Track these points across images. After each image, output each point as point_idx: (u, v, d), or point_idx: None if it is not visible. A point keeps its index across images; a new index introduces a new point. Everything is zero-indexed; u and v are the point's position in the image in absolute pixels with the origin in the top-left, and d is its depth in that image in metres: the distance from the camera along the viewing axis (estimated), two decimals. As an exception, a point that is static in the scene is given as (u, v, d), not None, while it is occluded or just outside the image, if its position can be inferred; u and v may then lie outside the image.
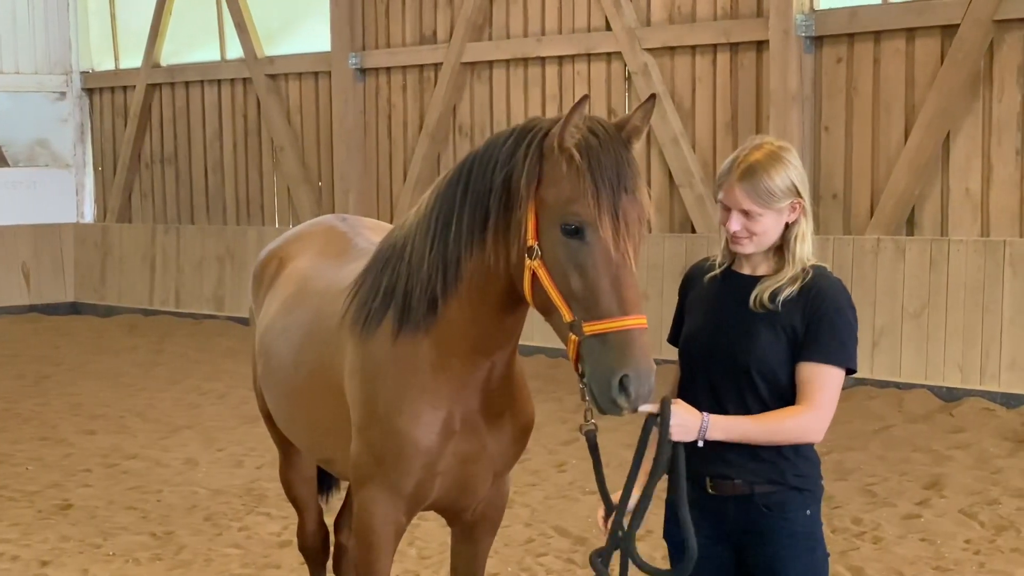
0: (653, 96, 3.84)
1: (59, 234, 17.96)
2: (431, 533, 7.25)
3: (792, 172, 3.68)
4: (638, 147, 3.71)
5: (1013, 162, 10.01)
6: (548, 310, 3.63)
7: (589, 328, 3.49)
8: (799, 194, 3.68)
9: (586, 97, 3.62)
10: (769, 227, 3.68)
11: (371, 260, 4.21)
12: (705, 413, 3.63)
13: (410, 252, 3.96)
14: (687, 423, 3.61)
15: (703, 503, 3.72)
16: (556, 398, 10.32)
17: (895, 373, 10.24)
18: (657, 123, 11.96)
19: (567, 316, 3.54)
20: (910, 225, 10.61)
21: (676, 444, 3.61)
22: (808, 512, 3.75)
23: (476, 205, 3.78)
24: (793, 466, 3.72)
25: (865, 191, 10.86)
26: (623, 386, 3.43)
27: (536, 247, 3.60)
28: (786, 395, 3.69)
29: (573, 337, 3.52)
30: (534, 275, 3.61)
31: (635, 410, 3.50)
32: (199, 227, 16.73)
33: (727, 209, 3.71)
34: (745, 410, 3.70)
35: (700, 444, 3.63)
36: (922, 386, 10.11)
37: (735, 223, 3.69)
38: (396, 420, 3.99)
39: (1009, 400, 9.65)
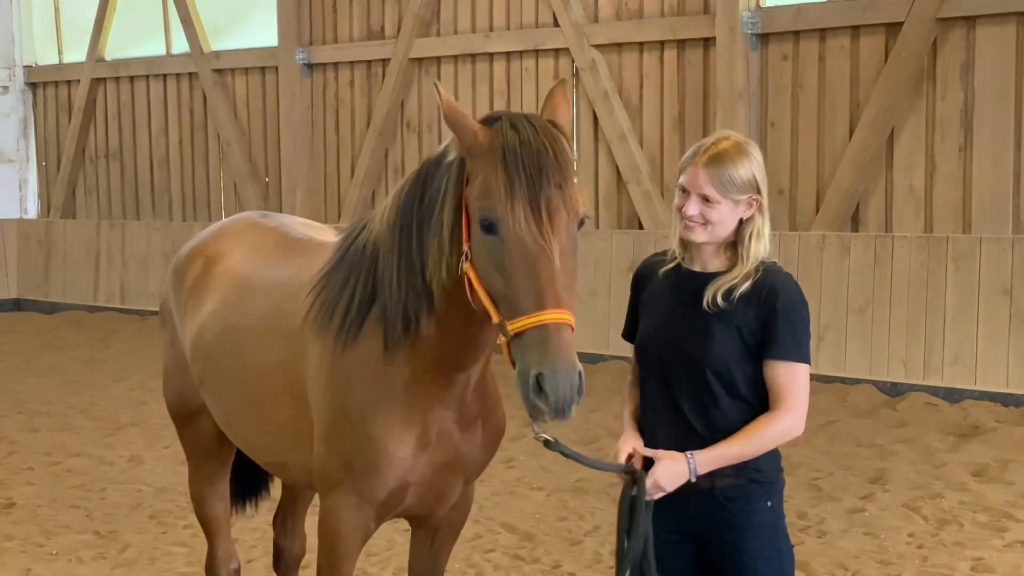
0: (562, 81, 3.83)
1: (2, 230, 17.73)
2: (379, 531, 7.20)
3: (756, 168, 3.70)
4: (584, 143, 3.63)
5: (956, 159, 10.12)
6: (484, 312, 3.53)
7: (511, 326, 3.36)
8: (759, 191, 3.70)
9: (448, 100, 3.53)
10: (724, 217, 3.68)
11: (333, 260, 4.09)
12: (688, 453, 3.64)
13: (381, 262, 3.86)
14: (675, 474, 3.63)
15: (665, 499, 3.71)
16: (505, 394, 10.31)
17: (840, 368, 10.32)
18: (605, 120, 12.00)
19: (495, 317, 3.45)
20: (855, 221, 10.70)
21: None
22: (769, 503, 3.77)
23: (428, 212, 3.69)
24: (752, 459, 3.73)
25: (811, 187, 10.94)
26: (539, 386, 3.29)
27: (467, 250, 3.53)
28: (741, 391, 3.71)
29: (502, 339, 3.42)
30: (468, 280, 3.54)
31: (561, 415, 3.32)
32: (144, 223, 16.59)
33: (685, 193, 3.70)
34: (701, 407, 3.71)
35: (693, 479, 3.65)
36: (867, 381, 10.20)
37: (692, 207, 3.67)
38: (370, 429, 3.90)
39: (951, 395, 9.76)
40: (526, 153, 3.44)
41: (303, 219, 5.38)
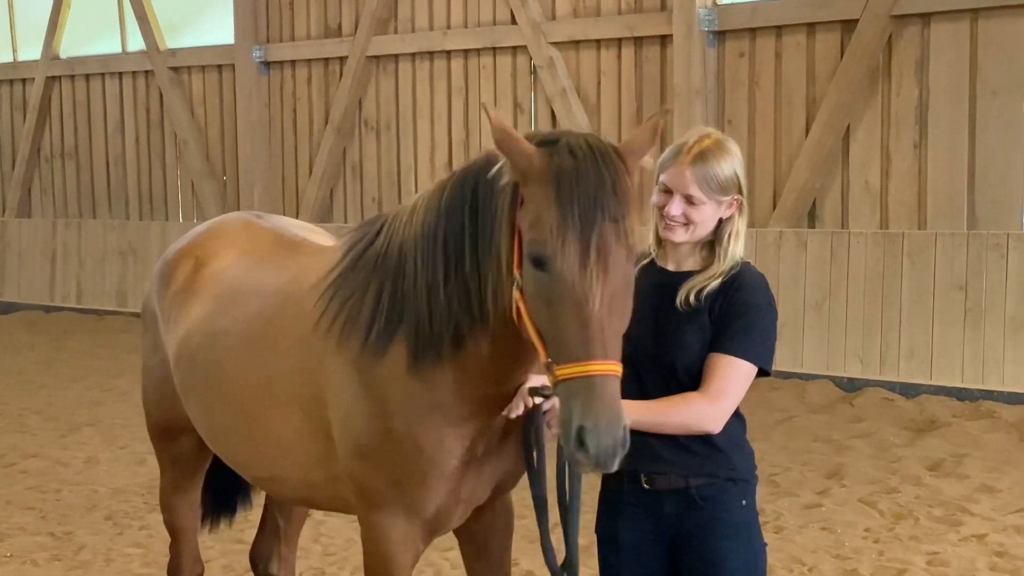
0: (666, 111, 3.66)
1: (-44, 230, 17.57)
2: (336, 529, 7.21)
3: (738, 166, 3.65)
4: (647, 167, 3.39)
5: (911, 155, 10.19)
6: (533, 346, 3.33)
7: (558, 371, 3.18)
8: (741, 190, 3.65)
9: (502, 126, 3.27)
10: (707, 218, 3.62)
11: (344, 264, 3.87)
12: None
13: (415, 270, 3.62)
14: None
15: (639, 499, 3.68)
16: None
17: (797, 364, 10.37)
18: (563, 116, 12.00)
19: (542, 356, 3.26)
20: (812, 218, 10.75)
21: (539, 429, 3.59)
22: (744, 502, 3.73)
23: (483, 232, 3.45)
24: (727, 458, 3.69)
25: (767, 184, 10.98)
26: (580, 440, 3.13)
27: (518, 277, 3.31)
28: None
29: (549, 376, 3.26)
30: (518, 308, 3.34)
31: (604, 468, 3.19)
32: (101, 222, 16.45)
33: (667, 192, 3.63)
34: None
35: None
36: (824, 376, 10.25)
37: (676, 207, 3.60)
38: (421, 442, 3.67)
39: (907, 390, 9.83)
40: (583, 183, 3.19)
41: (299, 221, 5.16)
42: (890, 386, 9.92)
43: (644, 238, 3.56)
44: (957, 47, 9.92)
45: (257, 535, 5.35)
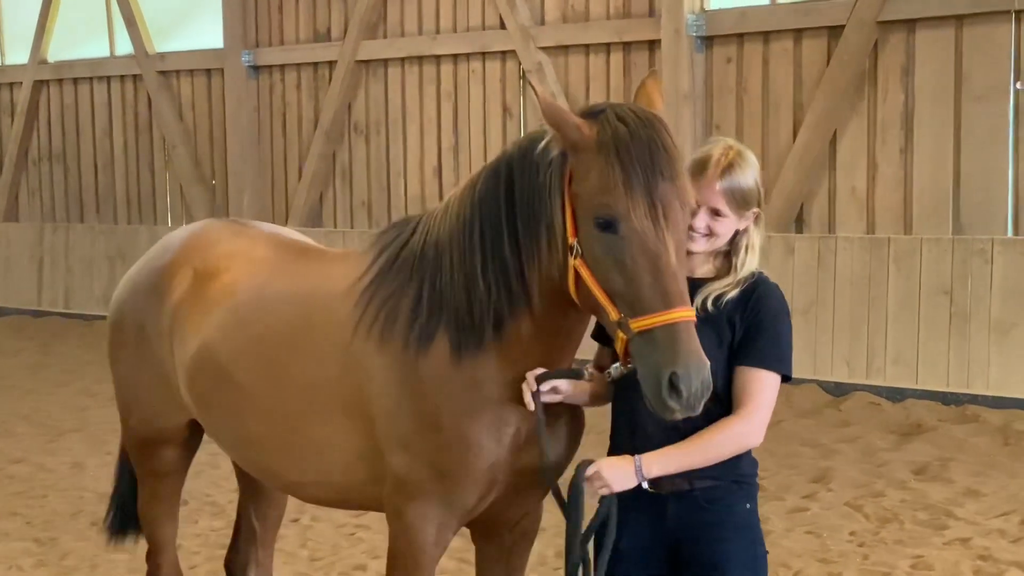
0: (653, 71, 3.76)
1: (-56, 234, 17.54)
2: (323, 535, 7.22)
3: (757, 176, 3.70)
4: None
5: (897, 161, 10.23)
6: (596, 309, 3.50)
7: (635, 325, 3.32)
8: (759, 202, 3.69)
9: (547, 99, 3.46)
10: (729, 230, 3.67)
11: (379, 267, 3.93)
12: (636, 455, 3.58)
13: (451, 264, 3.73)
14: (620, 470, 3.57)
15: (642, 502, 3.68)
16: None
17: (784, 368, 10.37)
18: (551, 122, 11.99)
19: (613, 314, 3.38)
20: (799, 223, 10.78)
21: (610, 500, 3.59)
22: (748, 506, 3.74)
23: (525, 211, 3.58)
24: (732, 460, 3.68)
25: (755, 189, 11.00)
26: (672, 385, 3.27)
27: (576, 245, 3.45)
28: (721, 397, 3.65)
29: (621, 335, 3.38)
30: (577, 274, 3.46)
31: (691, 410, 3.32)
32: (89, 226, 16.44)
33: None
34: None
35: (645, 486, 3.59)
36: (811, 381, 10.28)
37: (701, 220, 3.64)
38: (465, 431, 3.75)
39: (894, 394, 9.85)
40: (638, 147, 3.38)
41: (274, 225, 5.11)
42: (876, 390, 9.95)
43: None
44: (942, 53, 9.96)
45: (232, 541, 5.31)
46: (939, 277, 9.77)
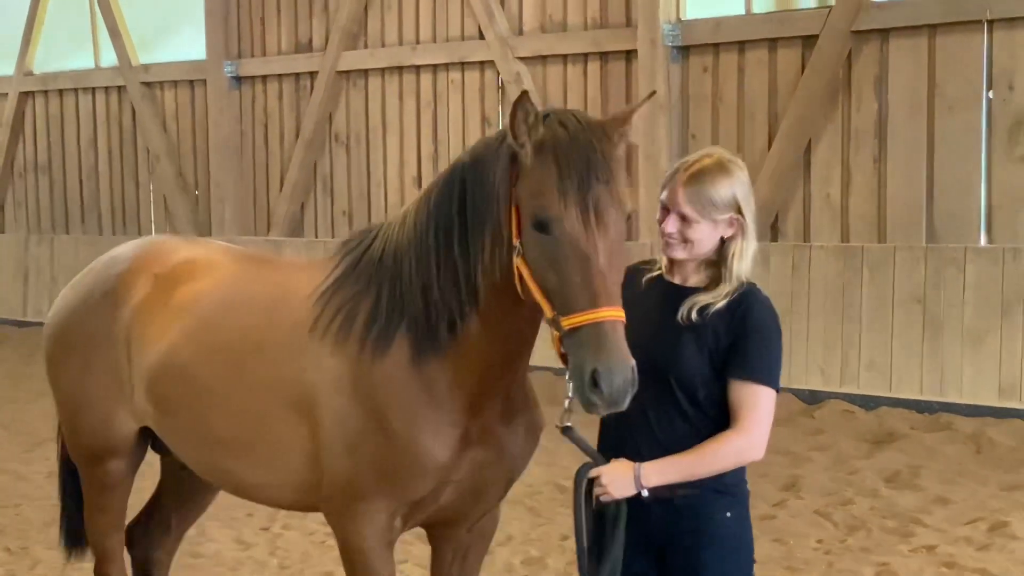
0: (652, 93, 3.82)
1: (-71, 244, 17.55)
2: (293, 543, 7.24)
3: (738, 187, 3.68)
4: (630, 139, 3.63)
5: (871, 170, 10.28)
6: (535, 308, 3.59)
7: (566, 323, 3.42)
8: (740, 210, 3.68)
9: (525, 93, 3.55)
10: (704, 236, 3.68)
11: (340, 271, 4.04)
12: (637, 464, 3.62)
13: (410, 271, 3.84)
14: (620, 477, 3.62)
15: (628, 510, 3.69)
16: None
17: (760, 377, 10.40)
18: (529, 131, 12.04)
19: (548, 312, 3.49)
20: (774, 231, 10.83)
21: (619, 503, 3.64)
22: (729, 514, 3.76)
23: (474, 214, 3.69)
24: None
25: (731, 198, 11.04)
26: (595, 381, 3.36)
27: (519, 245, 3.56)
28: (703, 406, 3.69)
29: (555, 333, 3.48)
30: (520, 273, 3.56)
31: (615, 406, 3.41)
32: (74, 237, 16.47)
33: (666, 210, 3.72)
34: (667, 418, 3.71)
35: (645, 494, 3.63)
36: (786, 389, 10.28)
37: (671, 224, 3.69)
38: (416, 437, 3.84)
39: (867, 402, 9.89)
40: (575, 150, 3.48)
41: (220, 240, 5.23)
42: (851, 398, 9.99)
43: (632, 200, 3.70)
44: (915, 62, 10.01)
45: (141, 527, 5.29)
46: (912, 285, 9.81)
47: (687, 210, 3.66)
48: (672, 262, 3.79)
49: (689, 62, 11.21)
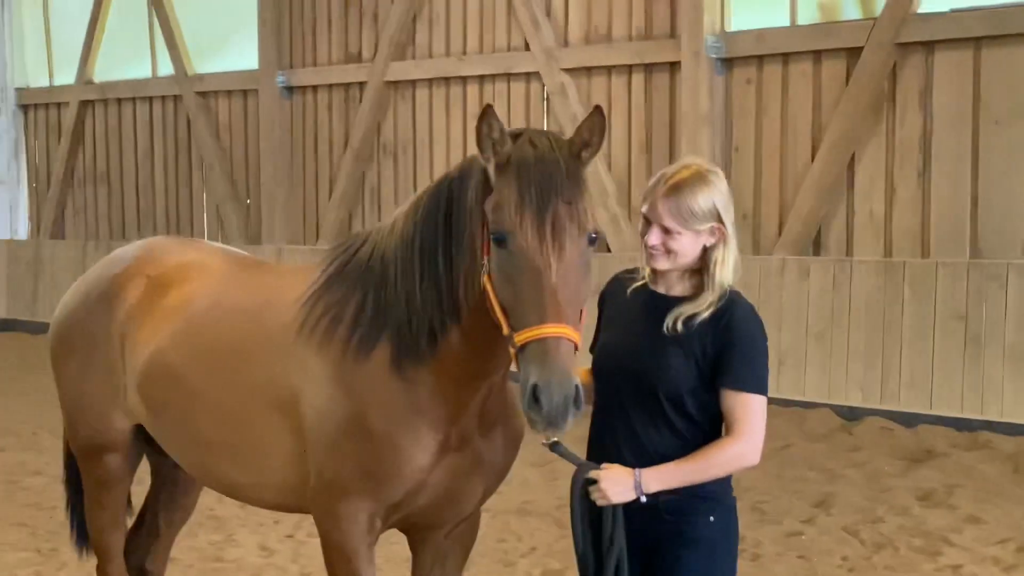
0: (597, 108, 3.70)
1: (-8, 250, 17.91)
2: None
3: (717, 196, 3.69)
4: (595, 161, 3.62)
5: (915, 184, 10.16)
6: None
7: (518, 338, 3.42)
8: (720, 219, 3.69)
9: (489, 107, 3.56)
10: (686, 247, 3.69)
11: (327, 275, 4.10)
12: (637, 470, 3.64)
13: (395, 278, 3.88)
14: (619, 482, 3.64)
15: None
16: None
17: (799, 392, 10.33)
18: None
19: (504, 329, 3.49)
20: (816, 245, 10.73)
21: (615, 507, 3.66)
22: (711, 519, 3.75)
23: (456, 228, 3.72)
24: None
25: (774, 212, 10.98)
26: (535, 397, 3.34)
27: (486, 262, 3.58)
28: (693, 416, 3.71)
29: (511, 350, 3.48)
30: (486, 290, 3.58)
31: (554, 426, 3.37)
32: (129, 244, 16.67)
33: (648, 222, 3.73)
34: (653, 427, 3.72)
35: (644, 500, 3.65)
36: (825, 405, 10.21)
37: (654, 237, 3.70)
38: (396, 439, 3.90)
39: (908, 419, 9.76)
40: (538, 168, 3.50)
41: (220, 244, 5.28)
42: (890, 415, 9.87)
43: (598, 220, 3.73)
44: (960, 76, 9.89)
45: (131, 535, 5.30)
46: (955, 302, 9.67)
47: (669, 222, 3.67)
48: (656, 272, 3.80)
49: (733, 74, 11.15)
